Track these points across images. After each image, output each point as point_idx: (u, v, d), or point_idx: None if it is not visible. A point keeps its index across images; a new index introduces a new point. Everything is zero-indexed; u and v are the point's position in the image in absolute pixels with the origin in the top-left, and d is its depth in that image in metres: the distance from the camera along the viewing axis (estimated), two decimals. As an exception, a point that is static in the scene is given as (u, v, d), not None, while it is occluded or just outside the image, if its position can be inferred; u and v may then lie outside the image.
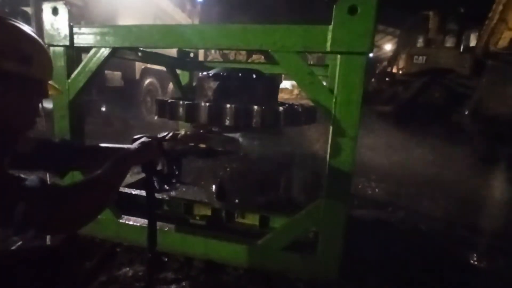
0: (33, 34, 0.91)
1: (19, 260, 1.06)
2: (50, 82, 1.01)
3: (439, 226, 2.46)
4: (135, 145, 1.12)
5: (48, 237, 1.79)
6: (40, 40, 0.93)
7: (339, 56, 1.41)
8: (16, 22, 0.88)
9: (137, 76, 6.77)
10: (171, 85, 7.88)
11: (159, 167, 1.25)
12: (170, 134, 1.34)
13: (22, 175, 0.79)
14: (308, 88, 1.46)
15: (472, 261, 1.96)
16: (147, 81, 7.18)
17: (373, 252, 1.93)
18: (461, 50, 6.95)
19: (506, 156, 4.11)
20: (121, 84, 6.42)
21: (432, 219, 2.60)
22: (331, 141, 1.50)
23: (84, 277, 1.61)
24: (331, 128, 1.49)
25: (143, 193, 2.05)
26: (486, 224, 2.47)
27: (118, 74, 6.25)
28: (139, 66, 6.72)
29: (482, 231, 2.35)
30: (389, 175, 3.72)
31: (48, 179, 1.87)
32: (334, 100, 1.42)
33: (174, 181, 1.52)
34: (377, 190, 3.30)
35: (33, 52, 0.89)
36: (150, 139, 1.17)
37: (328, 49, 1.38)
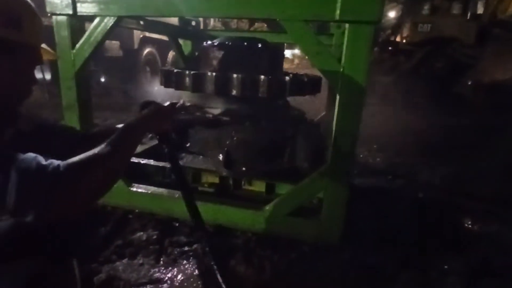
0: None
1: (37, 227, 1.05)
2: (43, 45, 0.94)
3: (436, 193, 2.55)
4: (144, 111, 1.01)
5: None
6: (28, 1, 0.86)
7: (347, 25, 1.40)
8: None
9: (136, 45, 6.62)
10: (170, 55, 7.73)
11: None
12: (180, 103, 1.31)
13: (17, 153, 0.71)
14: (316, 57, 1.47)
15: (467, 225, 2.07)
16: (146, 50, 7.03)
17: (372, 218, 2.03)
18: (468, 18, 6.75)
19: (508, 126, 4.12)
20: (120, 54, 6.30)
21: (430, 187, 2.69)
22: (337, 110, 1.53)
23: (101, 242, 1.71)
24: (337, 97, 1.52)
25: (151, 162, 2.11)
26: (484, 192, 2.56)
27: (116, 43, 6.12)
28: (137, 35, 6.55)
29: (479, 198, 2.44)
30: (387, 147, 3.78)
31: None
32: (341, 69, 1.44)
33: (181, 150, 1.50)
34: (378, 159, 3.38)
35: (22, 15, 0.81)
36: (163, 105, 1.07)
37: (337, 17, 1.37)
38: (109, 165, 0.78)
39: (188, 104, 2.00)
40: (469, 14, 6.81)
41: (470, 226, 2.07)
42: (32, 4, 0.87)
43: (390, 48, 8.36)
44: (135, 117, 0.96)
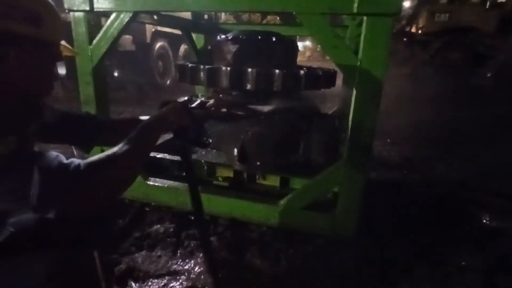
0: None
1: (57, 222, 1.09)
2: (62, 42, 0.96)
3: (453, 188, 2.51)
4: (162, 109, 1.02)
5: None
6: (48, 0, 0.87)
7: (365, 18, 1.37)
8: None
9: (148, 39, 6.66)
10: (182, 48, 7.75)
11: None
12: (198, 102, 1.32)
13: (38, 150, 0.75)
14: (333, 51, 1.45)
15: (485, 221, 2.03)
16: (158, 44, 7.07)
17: (388, 213, 2.02)
18: (487, 7, 6.51)
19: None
20: (133, 48, 6.35)
21: (446, 181, 2.64)
22: (354, 104, 1.51)
23: (119, 234, 1.75)
24: (354, 91, 1.50)
25: (166, 156, 2.14)
26: (501, 187, 2.50)
27: (129, 37, 6.17)
28: (149, 29, 6.59)
29: (496, 193, 2.39)
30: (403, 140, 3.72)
31: (74, 152, 1.95)
32: (359, 63, 1.42)
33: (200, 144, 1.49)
34: (392, 153, 3.34)
35: (42, 11, 0.82)
36: (179, 102, 1.07)
37: (355, 10, 1.34)
38: (127, 164, 0.81)
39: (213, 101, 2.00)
40: (488, 3, 6.58)
41: (487, 221, 2.03)
42: (52, 3, 0.88)
43: (405, 39, 8.18)
44: (153, 115, 0.97)
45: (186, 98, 1.33)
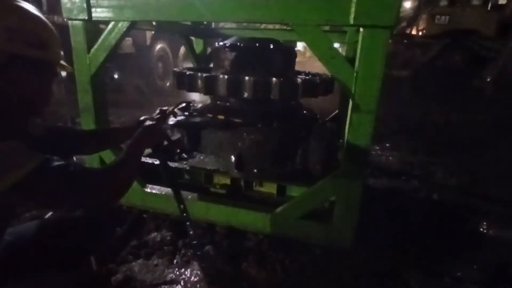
0: (43, 17, 0.96)
1: (56, 229, 1.18)
2: (62, 62, 1.06)
3: (452, 195, 2.50)
4: (138, 132, 1.16)
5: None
6: (48, 22, 0.98)
7: (362, 29, 1.38)
8: (23, 3, 0.92)
9: (148, 42, 6.67)
10: (181, 51, 7.76)
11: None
12: (170, 109, 1.46)
13: (50, 156, 0.85)
14: (329, 62, 1.45)
15: (483, 230, 2.03)
16: (158, 46, 7.07)
17: (386, 220, 2.02)
18: (488, 9, 6.50)
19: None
20: (132, 51, 6.36)
21: (445, 188, 2.64)
22: (350, 115, 1.51)
23: (117, 242, 1.75)
24: (350, 102, 1.50)
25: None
26: (500, 193, 2.50)
27: (129, 40, 6.19)
28: (149, 31, 6.59)
29: (495, 200, 2.39)
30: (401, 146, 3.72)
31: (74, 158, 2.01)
32: (355, 75, 1.42)
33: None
34: (391, 158, 3.34)
35: (48, 37, 0.95)
36: (151, 124, 1.22)
37: (352, 22, 1.34)
38: (121, 176, 0.99)
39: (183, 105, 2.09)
40: (489, 5, 6.57)
41: (486, 230, 2.03)
42: (51, 25, 0.99)
43: (405, 41, 8.16)
44: (133, 138, 1.12)
45: (158, 111, 1.47)
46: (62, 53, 1.02)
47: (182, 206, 1.45)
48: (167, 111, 1.44)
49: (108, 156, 1.96)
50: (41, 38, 0.92)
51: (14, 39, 0.85)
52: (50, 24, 0.97)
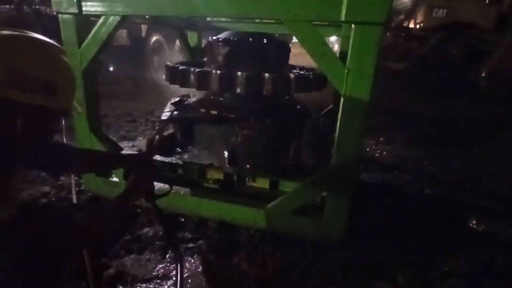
0: (56, 52, 0.84)
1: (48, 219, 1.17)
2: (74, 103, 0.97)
3: (444, 189, 2.53)
4: (129, 182, 1.15)
5: (74, 198, 1.94)
6: (63, 57, 0.86)
7: (353, 26, 1.37)
8: (33, 35, 0.81)
9: (143, 34, 6.60)
10: (177, 43, 7.68)
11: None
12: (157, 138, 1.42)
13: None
14: (320, 59, 1.45)
15: (472, 224, 2.06)
16: (154, 38, 7.01)
17: (376, 216, 2.04)
18: (487, 2, 6.46)
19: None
20: (128, 43, 6.30)
21: (437, 182, 2.66)
22: (341, 111, 1.52)
23: (110, 237, 1.76)
24: (341, 99, 1.50)
25: (157, 157, 2.14)
26: (491, 188, 2.53)
27: (124, 32, 6.12)
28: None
29: (486, 195, 2.42)
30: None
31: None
32: (346, 71, 1.41)
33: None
34: (384, 152, 3.36)
35: (57, 81, 0.82)
36: (140, 177, 1.18)
37: (343, 18, 1.34)
38: (109, 221, 1.03)
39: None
40: (487, -2, 6.53)
41: (475, 225, 2.06)
42: (70, 66, 0.88)
43: (402, 34, 8.11)
44: (123, 191, 1.10)
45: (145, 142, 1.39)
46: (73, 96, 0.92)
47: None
48: (155, 141, 1.37)
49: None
50: (47, 81, 0.80)
51: (15, 85, 0.74)
52: (62, 58, 0.85)
